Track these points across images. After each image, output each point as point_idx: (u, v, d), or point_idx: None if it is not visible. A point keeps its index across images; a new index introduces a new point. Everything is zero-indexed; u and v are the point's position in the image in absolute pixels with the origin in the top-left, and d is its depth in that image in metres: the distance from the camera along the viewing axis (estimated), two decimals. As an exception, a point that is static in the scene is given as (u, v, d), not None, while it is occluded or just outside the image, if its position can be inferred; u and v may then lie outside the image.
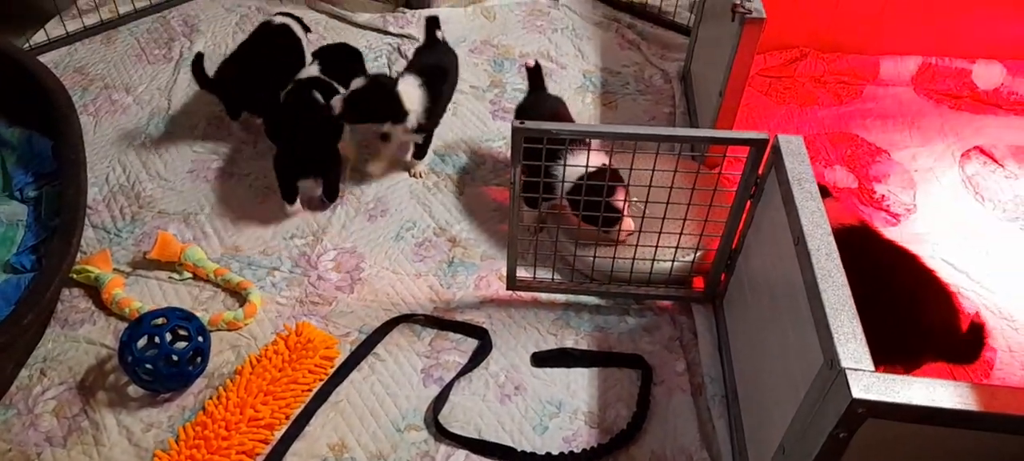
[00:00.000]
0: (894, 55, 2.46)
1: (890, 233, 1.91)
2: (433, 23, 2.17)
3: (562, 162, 1.63)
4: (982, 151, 2.20)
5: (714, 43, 2.06)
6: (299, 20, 2.31)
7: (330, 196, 1.96)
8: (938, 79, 2.43)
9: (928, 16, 2.39)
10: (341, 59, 2.19)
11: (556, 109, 1.96)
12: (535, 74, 2.00)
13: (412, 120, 1.92)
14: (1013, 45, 2.43)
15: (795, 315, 1.19)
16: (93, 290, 1.74)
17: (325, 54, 2.17)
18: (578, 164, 1.59)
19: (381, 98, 1.91)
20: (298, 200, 1.94)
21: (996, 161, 2.16)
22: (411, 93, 1.92)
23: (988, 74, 2.42)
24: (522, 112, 1.97)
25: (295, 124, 1.95)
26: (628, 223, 1.71)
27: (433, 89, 1.96)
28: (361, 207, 1.98)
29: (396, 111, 1.90)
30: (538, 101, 1.98)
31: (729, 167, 1.55)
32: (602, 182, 1.60)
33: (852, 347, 1.01)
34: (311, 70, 2.10)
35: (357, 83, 1.91)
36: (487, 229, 1.93)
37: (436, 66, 2.06)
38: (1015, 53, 2.44)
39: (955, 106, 2.37)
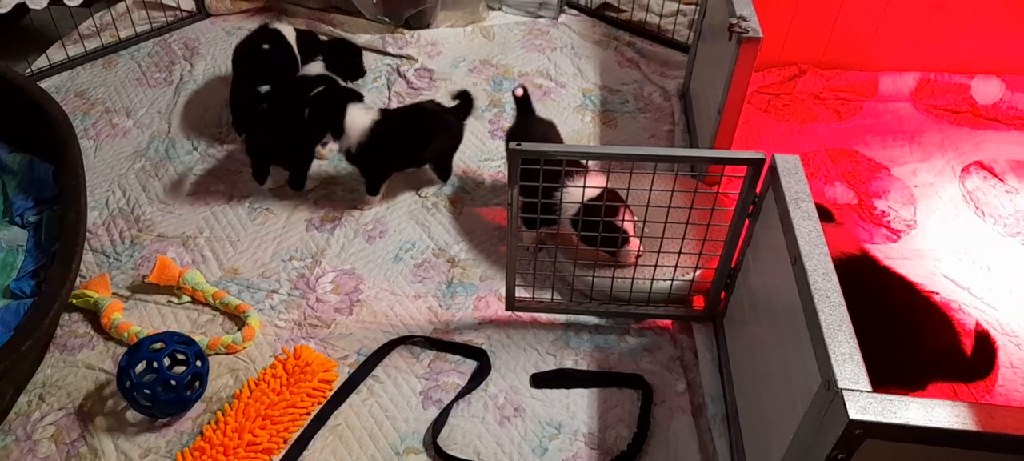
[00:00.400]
0: (893, 71, 2.46)
1: (891, 249, 1.92)
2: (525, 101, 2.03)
3: (561, 185, 1.63)
4: (982, 166, 2.19)
5: (713, 61, 2.07)
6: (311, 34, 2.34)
7: (295, 185, 2.04)
8: (937, 94, 2.43)
9: (926, 32, 2.39)
10: (344, 55, 2.26)
11: (547, 133, 1.96)
12: (524, 102, 1.99)
13: (346, 142, 1.93)
14: (1011, 60, 2.43)
15: (793, 335, 1.19)
16: (92, 314, 1.74)
17: (329, 50, 2.23)
18: (577, 186, 1.59)
19: (328, 106, 1.93)
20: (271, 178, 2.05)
21: (996, 176, 2.16)
22: (356, 118, 1.92)
23: (987, 89, 2.42)
24: (512, 137, 1.97)
25: (280, 111, 1.99)
26: (635, 243, 1.70)
27: (393, 132, 1.95)
28: (360, 228, 1.98)
29: (335, 125, 1.92)
30: (528, 125, 1.97)
31: (727, 185, 1.55)
32: (605, 203, 1.59)
33: (849, 368, 1.00)
34: (316, 66, 2.15)
35: (321, 88, 1.96)
36: (486, 250, 1.93)
37: (428, 117, 2.03)
38: (1013, 68, 2.44)
39: (955, 121, 2.37)
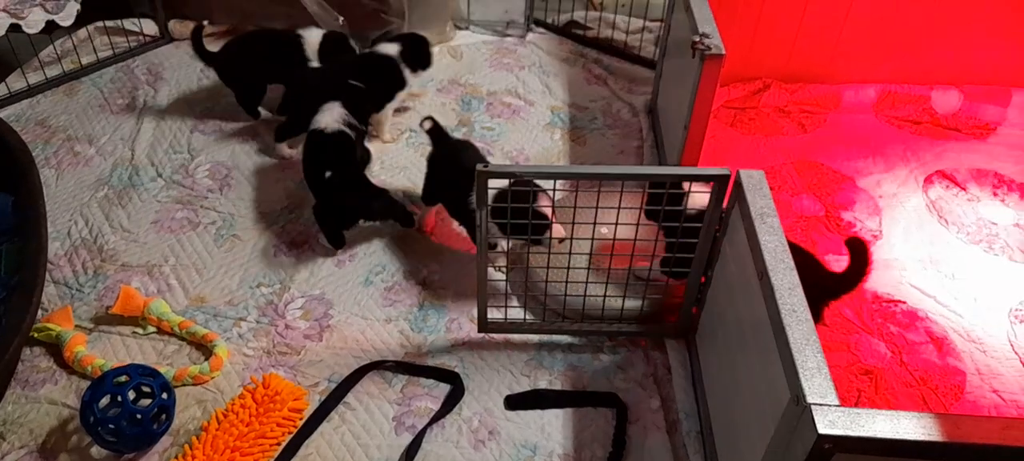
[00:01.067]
0: (854, 84, 2.51)
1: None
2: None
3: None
4: (944, 175, 2.24)
5: (678, 77, 2.09)
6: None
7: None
8: (898, 106, 2.48)
9: (886, 45, 2.44)
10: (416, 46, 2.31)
11: (466, 153, 1.93)
12: (435, 132, 1.97)
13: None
14: (969, 71, 2.49)
15: (762, 350, 1.19)
16: (54, 348, 1.70)
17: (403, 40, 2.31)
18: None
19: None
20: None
21: (958, 185, 2.20)
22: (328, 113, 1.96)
23: (946, 100, 2.48)
24: (431, 162, 1.97)
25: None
26: (558, 230, 1.66)
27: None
28: (329, 252, 1.96)
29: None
30: (445, 149, 1.96)
31: (695, 201, 1.55)
32: (526, 189, 1.59)
33: (817, 382, 1.01)
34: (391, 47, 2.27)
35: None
36: (457, 271, 1.92)
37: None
38: (971, 79, 2.50)
39: (916, 132, 2.42)
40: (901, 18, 2.38)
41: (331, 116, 1.97)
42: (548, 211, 1.64)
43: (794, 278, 1.18)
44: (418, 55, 2.30)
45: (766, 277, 1.19)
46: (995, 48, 2.45)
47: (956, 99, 2.48)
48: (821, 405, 0.97)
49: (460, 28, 2.90)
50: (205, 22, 2.35)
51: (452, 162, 1.90)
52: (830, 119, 2.46)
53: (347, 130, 1.97)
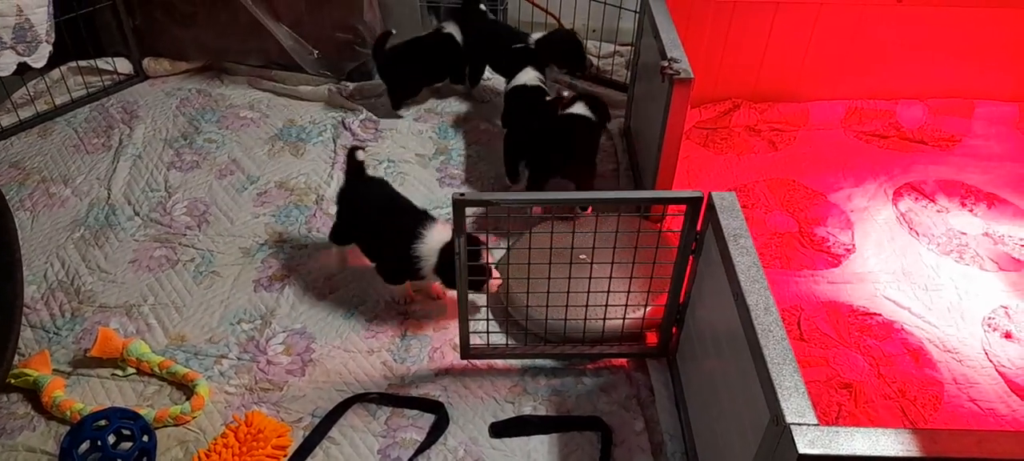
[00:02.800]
0: (822, 100, 2.56)
1: (833, 274, 1.98)
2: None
3: (417, 238, 1.74)
4: (913, 187, 2.29)
5: (649, 101, 2.12)
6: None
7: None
8: (865, 121, 2.54)
9: (851, 62, 2.51)
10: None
11: (380, 189, 1.95)
12: (357, 167, 1.95)
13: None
14: (932, 86, 2.56)
15: (741, 369, 1.21)
16: (32, 394, 1.67)
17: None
18: (433, 236, 1.74)
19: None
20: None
21: (927, 196, 2.25)
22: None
23: (911, 114, 2.54)
24: (341, 198, 1.96)
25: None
26: (494, 283, 1.74)
27: None
28: (309, 286, 1.96)
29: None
30: (365, 187, 1.95)
31: (671, 222, 1.58)
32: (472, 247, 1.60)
33: (795, 401, 1.03)
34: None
35: None
36: (438, 300, 1.92)
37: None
38: (934, 93, 2.57)
39: (884, 146, 2.48)
40: (865, 35, 2.45)
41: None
42: (489, 264, 1.70)
43: (769, 298, 1.20)
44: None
45: (741, 297, 1.21)
46: (958, 62, 2.52)
47: (921, 112, 2.55)
48: (800, 425, 0.99)
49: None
50: (392, 30, 2.58)
51: (365, 200, 1.91)
52: (800, 136, 2.51)
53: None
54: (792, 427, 0.99)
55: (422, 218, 1.81)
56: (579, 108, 2.19)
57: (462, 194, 1.43)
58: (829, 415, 1.63)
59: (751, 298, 1.19)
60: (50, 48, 2.33)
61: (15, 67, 2.26)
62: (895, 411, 1.65)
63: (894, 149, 2.46)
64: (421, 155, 2.45)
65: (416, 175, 2.35)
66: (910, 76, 2.54)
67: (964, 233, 2.12)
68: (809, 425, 0.99)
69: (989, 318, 1.87)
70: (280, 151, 2.45)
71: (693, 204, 1.43)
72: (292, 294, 1.93)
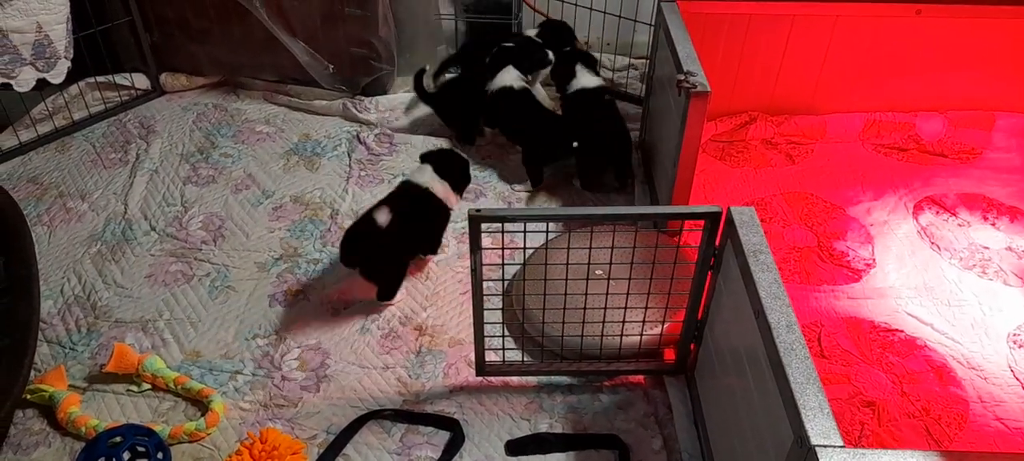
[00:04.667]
0: (839, 113, 2.54)
1: (853, 290, 1.95)
2: None
3: None
4: (934, 201, 2.26)
5: (665, 114, 2.11)
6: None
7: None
8: (884, 133, 2.51)
9: (869, 74, 2.48)
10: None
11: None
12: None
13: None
14: (952, 97, 2.53)
15: (762, 388, 1.19)
16: (47, 410, 1.67)
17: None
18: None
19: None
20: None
21: (948, 210, 2.22)
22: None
23: (930, 126, 2.51)
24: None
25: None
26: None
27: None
28: (324, 301, 1.95)
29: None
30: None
31: (689, 238, 1.56)
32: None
33: (820, 422, 1.00)
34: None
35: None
36: (454, 314, 1.91)
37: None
38: (955, 105, 2.54)
39: (903, 159, 2.44)
40: (883, 47, 2.42)
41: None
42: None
43: (791, 315, 1.18)
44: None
45: (762, 315, 1.19)
46: (977, 74, 2.49)
47: (941, 125, 2.51)
48: (825, 446, 0.97)
49: (449, 72, 2.93)
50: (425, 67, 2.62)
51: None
52: (817, 149, 2.49)
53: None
54: (817, 449, 0.96)
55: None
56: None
57: (478, 210, 1.42)
58: (852, 434, 1.60)
59: (772, 316, 1.17)
60: (69, 64, 2.35)
61: (34, 83, 2.29)
62: (920, 430, 1.62)
63: (913, 162, 2.43)
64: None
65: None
66: (929, 88, 2.51)
67: (986, 247, 2.09)
68: (835, 447, 0.97)
69: (1014, 334, 1.83)
70: (295, 166, 2.45)
71: (711, 219, 1.41)
72: (307, 309, 1.93)
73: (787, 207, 2.23)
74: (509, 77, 2.40)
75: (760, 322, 1.19)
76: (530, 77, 2.49)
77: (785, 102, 2.52)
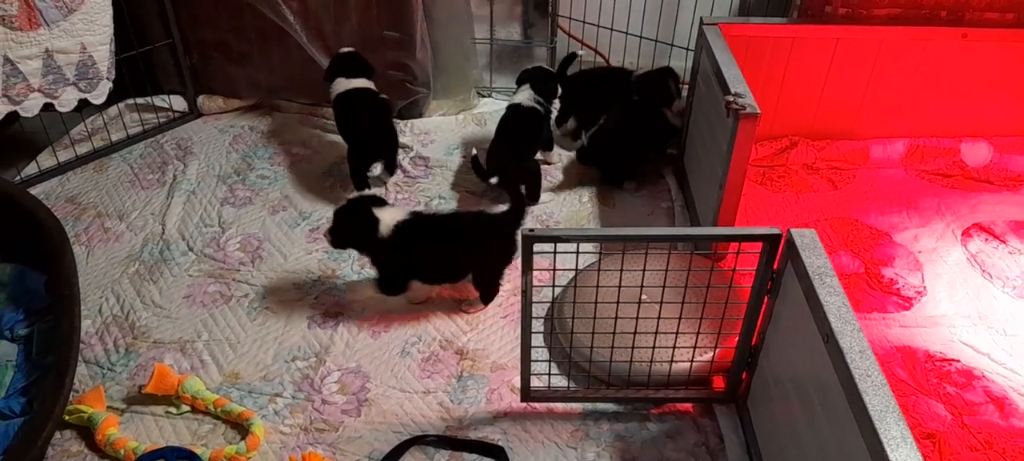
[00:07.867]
0: (882, 139, 2.50)
1: (905, 318, 1.90)
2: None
3: None
4: (982, 228, 2.20)
5: (706, 136, 2.08)
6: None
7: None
8: (927, 159, 2.47)
9: (912, 99, 2.44)
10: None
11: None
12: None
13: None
14: (998, 123, 2.48)
15: (832, 416, 1.14)
16: (86, 431, 1.65)
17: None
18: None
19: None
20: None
21: (998, 237, 2.16)
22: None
23: (976, 152, 2.46)
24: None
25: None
26: None
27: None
28: (363, 323, 1.92)
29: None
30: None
31: (741, 262, 1.52)
32: None
33: (904, 452, 0.96)
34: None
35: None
36: (495, 338, 1.88)
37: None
38: (1000, 131, 2.49)
39: (947, 185, 2.40)
40: (927, 72, 2.39)
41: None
42: None
43: (863, 340, 1.14)
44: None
45: (833, 339, 1.15)
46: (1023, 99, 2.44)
47: (986, 151, 2.46)
48: (912, 477, 0.92)
49: (483, 95, 2.93)
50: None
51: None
52: (859, 175, 2.44)
53: None
54: (905, 481, 0.92)
55: None
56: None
57: (532, 230, 1.40)
58: (914, 467, 1.54)
59: (844, 341, 1.13)
60: (110, 85, 2.36)
61: (75, 103, 2.30)
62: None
63: (959, 188, 2.38)
64: (471, 192, 2.43)
65: (468, 210, 2.32)
66: (974, 114, 2.46)
67: (1040, 276, 2.03)
68: (924, 479, 0.92)
69: (1075, 366, 1.77)
70: (332, 187, 2.44)
71: (771, 241, 1.38)
72: (346, 332, 1.90)
73: (832, 233, 2.19)
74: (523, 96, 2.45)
75: (830, 347, 1.15)
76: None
77: (827, 126, 2.49)
